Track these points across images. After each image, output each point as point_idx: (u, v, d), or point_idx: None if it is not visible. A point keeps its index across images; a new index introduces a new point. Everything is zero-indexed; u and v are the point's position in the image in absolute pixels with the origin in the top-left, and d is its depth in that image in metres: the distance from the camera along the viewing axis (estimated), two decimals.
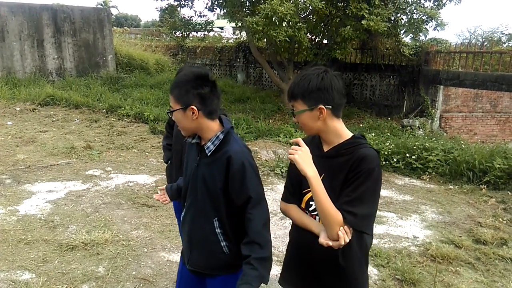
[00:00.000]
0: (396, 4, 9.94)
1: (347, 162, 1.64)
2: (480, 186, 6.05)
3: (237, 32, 21.80)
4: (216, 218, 1.87)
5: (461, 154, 6.64)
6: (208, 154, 1.85)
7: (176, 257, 3.81)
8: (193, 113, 1.79)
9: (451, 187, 6.19)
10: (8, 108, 9.83)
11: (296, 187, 1.81)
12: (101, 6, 29.28)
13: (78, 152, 6.95)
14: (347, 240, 1.56)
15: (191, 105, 1.78)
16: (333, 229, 1.57)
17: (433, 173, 6.63)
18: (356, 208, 1.58)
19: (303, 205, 1.79)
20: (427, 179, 6.53)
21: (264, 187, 5.76)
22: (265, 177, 6.21)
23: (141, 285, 3.39)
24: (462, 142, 7.99)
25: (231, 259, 1.91)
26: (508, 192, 5.85)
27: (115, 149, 7.35)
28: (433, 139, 8.14)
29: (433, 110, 11.97)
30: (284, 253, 3.97)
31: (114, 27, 24.83)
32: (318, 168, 1.61)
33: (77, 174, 5.96)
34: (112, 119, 9.44)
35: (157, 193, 2.36)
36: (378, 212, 4.98)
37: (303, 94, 1.65)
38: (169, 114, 1.91)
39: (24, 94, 10.66)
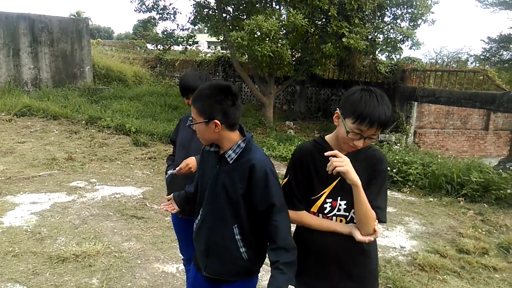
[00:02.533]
0: (374, 23, 10.35)
1: (366, 165, 1.82)
2: (458, 198, 6.31)
3: (212, 46, 21.98)
4: (236, 225, 1.91)
5: (439, 168, 6.91)
6: (230, 162, 1.90)
7: (170, 268, 3.79)
8: (215, 126, 1.85)
9: (431, 199, 6.42)
10: None
11: (303, 193, 1.88)
12: (74, 17, 28.86)
13: (59, 164, 6.80)
14: (381, 232, 1.79)
15: (214, 119, 1.84)
16: (371, 225, 1.74)
17: (413, 186, 6.87)
18: (380, 203, 1.80)
19: (314, 210, 1.86)
20: (408, 192, 6.75)
21: None
22: None
23: None
24: (438, 156, 8.32)
25: (250, 265, 1.97)
26: (485, 204, 6.12)
27: (98, 160, 7.23)
28: (411, 153, 8.43)
29: (407, 126, 12.41)
30: None
31: None
32: (333, 173, 1.71)
33: (61, 186, 5.83)
34: (93, 130, 9.28)
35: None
36: None
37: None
38: (190, 126, 1.98)
39: None
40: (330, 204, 1.84)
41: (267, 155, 1.98)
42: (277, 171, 6.63)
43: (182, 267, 3.89)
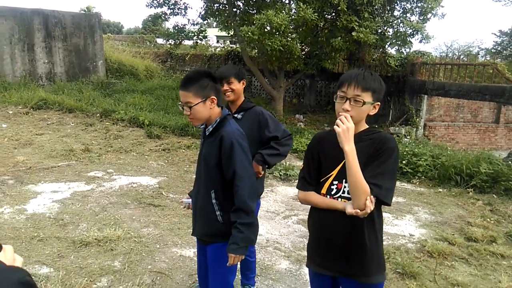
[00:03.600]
0: (384, 17, 10.39)
1: (370, 144, 1.88)
2: (467, 189, 6.39)
3: (221, 41, 22.10)
4: (213, 190, 2.21)
5: (448, 160, 6.99)
6: (207, 134, 2.23)
7: (188, 252, 3.96)
8: (212, 102, 2.14)
9: (440, 190, 6.51)
10: (1, 111, 9.77)
11: (313, 176, 2.01)
12: (84, 12, 29.13)
13: (77, 155, 7.01)
14: (372, 208, 1.77)
15: (210, 96, 2.13)
16: (361, 198, 1.77)
17: (423, 177, 6.96)
18: (380, 181, 1.80)
19: (323, 191, 1.97)
20: (417, 183, 6.85)
21: (265, 189, 5.90)
22: (265, 179, 6.39)
23: (158, 278, 3.52)
24: (448, 148, 8.38)
25: (225, 228, 2.20)
26: (494, 195, 6.20)
27: (113, 152, 7.43)
28: (420, 145, 8.50)
29: (417, 119, 12.44)
30: (290, 248, 4.16)
31: None
32: (339, 155, 1.84)
33: (80, 176, 6.03)
34: (107, 123, 9.49)
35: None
36: None
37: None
38: (188, 108, 2.13)
39: (16, 98, 10.61)
40: (336, 186, 1.95)
41: (240, 130, 2.24)
42: (287, 162, 6.77)
43: None
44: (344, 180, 1.91)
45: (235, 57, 15.73)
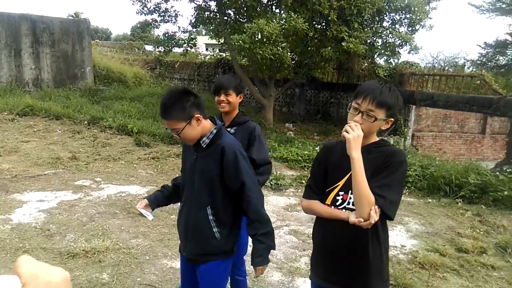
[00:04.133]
0: (373, 28, 10.51)
1: (378, 157, 1.86)
2: (456, 200, 6.44)
3: (210, 48, 22.10)
4: (209, 206, 2.11)
5: (437, 170, 7.04)
6: (204, 146, 2.11)
7: (178, 264, 3.86)
8: (197, 120, 2.04)
9: (430, 200, 6.55)
10: None
11: (319, 185, 1.98)
12: (72, 17, 28.92)
13: (64, 163, 6.87)
14: (376, 219, 1.72)
15: (194, 115, 2.02)
16: (365, 208, 1.72)
17: (412, 187, 6.99)
18: (385, 192, 1.76)
19: (328, 202, 1.94)
20: (407, 193, 6.87)
21: None
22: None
23: None
24: (437, 159, 8.45)
25: (223, 245, 2.15)
26: (482, 205, 6.25)
27: (101, 160, 7.31)
28: (409, 155, 8.56)
29: (405, 129, 12.56)
30: (282, 260, 4.12)
31: None
32: (347, 166, 1.79)
33: (66, 184, 5.91)
34: (95, 130, 9.36)
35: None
36: None
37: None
38: (176, 134, 2.04)
39: (1, 104, 10.43)
40: (341, 197, 1.91)
41: (236, 140, 2.21)
42: (278, 172, 6.74)
43: None
44: (350, 192, 1.87)
45: (225, 65, 15.74)
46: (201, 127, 2.06)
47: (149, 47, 25.23)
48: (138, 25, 12.08)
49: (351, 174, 1.82)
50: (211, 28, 11.03)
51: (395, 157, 1.84)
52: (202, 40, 23.85)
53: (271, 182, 6.50)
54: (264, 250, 2.09)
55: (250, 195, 2.07)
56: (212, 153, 2.09)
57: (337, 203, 1.92)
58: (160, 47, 12.49)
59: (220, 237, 2.13)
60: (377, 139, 1.95)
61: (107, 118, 9.85)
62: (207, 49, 24.37)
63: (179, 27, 12.21)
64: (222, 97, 2.77)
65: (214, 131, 2.12)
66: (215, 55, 18.13)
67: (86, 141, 8.51)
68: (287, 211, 5.60)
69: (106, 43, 28.38)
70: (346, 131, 1.77)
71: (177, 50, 15.95)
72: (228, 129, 2.81)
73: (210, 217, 2.11)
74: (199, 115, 2.03)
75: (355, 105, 1.85)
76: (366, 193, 1.72)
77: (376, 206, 1.74)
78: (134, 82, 15.83)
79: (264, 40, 8.88)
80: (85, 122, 9.84)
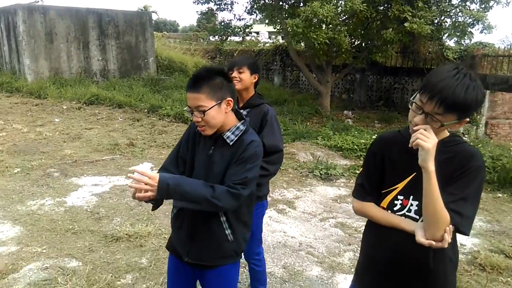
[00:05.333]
0: (440, 7, 9.66)
1: (451, 159, 1.54)
2: None
3: (273, 36, 21.88)
4: None
5: (510, 161, 6.32)
6: (231, 144, 1.85)
7: None
8: (227, 105, 1.81)
9: (500, 195, 5.90)
10: (56, 106, 10.29)
11: (374, 185, 1.71)
12: (144, 10, 30.20)
13: (121, 149, 7.16)
14: (449, 241, 1.46)
15: (226, 98, 1.80)
16: (440, 229, 1.45)
17: None
18: (462, 208, 1.48)
19: (384, 205, 1.67)
20: None
21: (303, 188, 5.63)
22: (304, 178, 6.16)
23: None
24: (511, 149, 7.62)
25: (235, 247, 1.95)
26: None
27: (156, 147, 7.52)
28: (479, 145, 7.80)
29: (478, 116, 11.52)
30: (324, 254, 3.90)
31: (154, 32, 25.59)
32: (409, 166, 1.52)
33: (121, 170, 6.13)
34: (153, 118, 9.68)
35: None
36: None
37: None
38: (201, 113, 1.77)
39: (71, 93, 11.14)
40: (401, 202, 1.64)
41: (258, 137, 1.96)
42: (330, 161, 6.43)
43: None
44: (411, 197, 1.61)
45: (283, 52, 15.50)
46: (227, 116, 1.83)
47: (213, 37, 25.61)
48: (203, 16, 12.23)
49: (414, 177, 1.55)
50: (266, 14, 10.82)
51: (472, 161, 1.51)
52: (265, 28, 23.72)
53: (321, 172, 6.25)
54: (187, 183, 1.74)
55: (240, 190, 1.79)
56: (236, 151, 1.83)
57: (395, 208, 1.65)
58: (217, 36, 12.55)
59: (233, 239, 1.93)
60: (447, 134, 1.60)
61: (165, 107, 10.15)
62: (270, 37, 24.19)
63: (234, 15, 12.19)
64: (235, 74, 2.63)
65: (242, 128, 1.87)
66: (274, 42, 17.94)
67: (144, 129, 8.82)
68: (335, 202, 5.34)
69: (173, 35, 29.28)
70: (421, 139, 1.43)
71: (237, 38, 16.05)
72: (242, 111, 2.67)
73: (222, 218, 1.89)
74: (231, 99, 1.81)
75: (419, 103, 1.49)
76: (442, 213, 1.44)
77: (451, 226, 1.46)
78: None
79: (320, 23, 8.53)
80: (145, 110, 10.21)
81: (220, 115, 1.79)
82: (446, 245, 1.45)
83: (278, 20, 10.30)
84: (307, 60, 11.71)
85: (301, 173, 6.33)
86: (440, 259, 1.59)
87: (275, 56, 16.00)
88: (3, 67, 13.40)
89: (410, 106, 1.55)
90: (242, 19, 11.93)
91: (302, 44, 11.32)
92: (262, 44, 18.46)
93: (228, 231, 1.91)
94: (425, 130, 1.45)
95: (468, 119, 1.52)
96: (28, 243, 3.85)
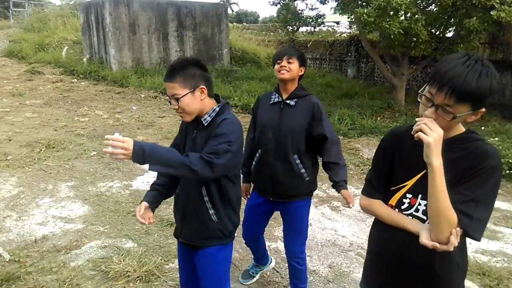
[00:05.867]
0: None
1: (463, 157, 1.44)
2: None
3: (354, 27, 21.11)
4: (203, 187, 2.00)
5: None
6: (205, 125, 1.99)
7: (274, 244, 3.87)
8: (201, 92, 1.95)
9: None
10: (135, 94, 11.02)
11: (382, 182, 1.65)
12: (223, 2, 30.94)
13: None
14: (456, 245, 1.37)
15: (199, 86, 1.94)
16: (445, 231, 1.36)
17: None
18: (473, 210, 1.38)
19: (392, 203, 1.61)
20: (505, 193, 5.57)
21: (362, 186, 5.44)
22: (364, 176, 5.93)
23: None
24: None
25: (220, 228, 2.05)
26: None
27: None
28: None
29: None
30: None
31: (234, 23, 26.15)
32: (419, 162, 1.41)
33: None
34: None
35: None
36: (493, 227, 4.42)
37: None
38: (176, 100, 1.92)
39: (149, 83, 11.83)
40: (408, 201, 1.57)
41: (238, 121, 2.05)
42: None
43: (274, 245, 3.95)
44: (420, 196, 1.53)
45: (358, 42, 14.92)
46: (203, 102, 1.97)
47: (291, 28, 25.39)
48: (283, 7, 12.22)
49: (424, 175, 1.45)
50: (339, 2, 10.45)
51: (487, 160, 1.40)
52: (346, 18, 22.97)
53: None
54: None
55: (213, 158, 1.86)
56: (211, 131, 1.96)
57: (402, 207, 1.59)
58: (288, 26, 12.41)
59: (217, 219, 2.04)
60: (462, 130, 1.50)
61: (233, 97, 10.36)
62: (350, 27, 23.44)
63: (306, 5, 11.96)
64: (284, 63, 2.60)
65: (217, 109, 2.02)
66: (351, 32, 17.35)
67: None
68: None
69: (252, 26, 29.67)
70: (422, 131, 1.34)
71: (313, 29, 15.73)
72: (288, 101, 2.65)
73: (205, 198, 2.01)
74: (204, 87, 1.95)
75: (428, 95, 1.40)
76: (447, 213, 1.34)
77: (458, 228, 1.36)
78: (267, 62, 16.27)
79: (394, 12, 8.06)
80: None
81: (194, 101, 1.94)
82: (451, 249, 1.35)
83: (350, 9, 9.91)
84: (382, 51, 11.15)
85: (362, 170, 6.11)
86: (447, 263, 1.49)
87: (350, 47, 15.49)
88: (93, 57, 14.62)
89: (419, 99, 1.45)
90: (315, 8, 11.67)
91: (376, 33, 10.78)
92: (339, 34, 17.95)
93: (211, 211, 2.02)
94: (431, 122, 1.35)
95: (484, 109, 1.39)
96: (93, 222, 4.20)
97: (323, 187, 5.37)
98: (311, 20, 11.61)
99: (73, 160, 6.03)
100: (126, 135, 6.24)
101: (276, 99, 2.69)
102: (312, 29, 12.84)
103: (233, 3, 57.66)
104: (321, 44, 16.89)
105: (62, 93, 10.97)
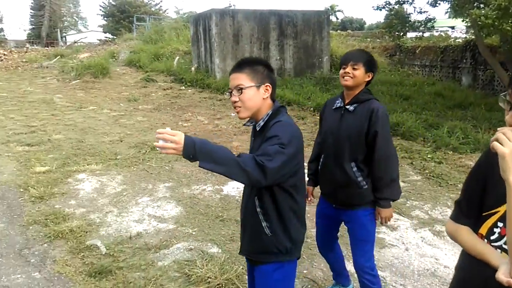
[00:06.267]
0: None
1: None
2: None
3: (471, 31, 19.22)
4: (256, 197, 1.89)
5: None
6: (258, 130, 1.93)
7: (349, 265, 3.60)
8: (265, 90, 1.88)
9: None
10: None
11: (472, 206, 1.43)
12: (326, 10, 30.69)
13: None
14: None
15: (265, 83, 1.88)
16: None
17: None
18: None
19: (482, 232, 1.39)
20: None
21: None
22: None
23: (309, 286, 3.34)
24: None
25: (275, 243, 1.88)
26: None
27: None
28: None
29: None
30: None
31: (338, 30, 25.72)
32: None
33: None
34: (317, 117, 9.73)
35: None
36: None
37: None
38: (238, 91, 1.85)
39: None
40: (499, 230, 1.33)
41: (296, 125, 1.94)
42: None
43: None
44: None
45: (475, 48, 13.49)
46: (264, 102, 1.90)
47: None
48: (391, 12, 11.54)
49: None
50: (452, 4, 9.53)
51: None
52: (464, 23, 21.10)
53: None
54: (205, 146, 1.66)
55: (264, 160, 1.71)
56: (264, 136, 1.85)
57: (492, 237, 1.35)
58: (394, 32, 11.72)
59: (271, 233, 1.89)
60: None
61: None
62: (467, 32, 21.49)
63: (414, 8, 11.16)
64: (349, 69, 2.44)
65: (270, 113, 1.93)
66: (467, 37, 15.79)
67: (306, 127, 8.97)
68: None
69: (357, 33, 28.92)
70: (499, 140, 1.17)
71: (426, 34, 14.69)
72: (348, 107, 2.49)
73: (258, 209, 1.90)
74: (269, 85, 1.90)
75: (508, 98, 1.22)
76: None
77: None
78: None
79: None
80: (311, 109, 10.36)
81: (256, 97, 1.87)
82: None
83: (464, 11, 8.97)
84: (503, 56, 9.90)
85: None
86: None
87: (465, 53, 14.06)
88: (200, 66, 15.53)
89: (501, 104, 1.24)
90: (424, 12, 10.85)
91: (496, 37, 9.61)
92: (452, 39, 16.49)
93: (264, 223, 1.90)
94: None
95: None
96: (184, 223, 4.36)
97: (425, 207, 4.88)
98: (419, 24, 10.82)
99: (173, 162, 6.38)
100: (222, 141, 6.43)
101: (339, 104, 2.60)
102: (421, 34, 11.92)
103: (338, 11, 56.92)
104: (431, 50, 15.65)
105: (171, 99, 11.82)
